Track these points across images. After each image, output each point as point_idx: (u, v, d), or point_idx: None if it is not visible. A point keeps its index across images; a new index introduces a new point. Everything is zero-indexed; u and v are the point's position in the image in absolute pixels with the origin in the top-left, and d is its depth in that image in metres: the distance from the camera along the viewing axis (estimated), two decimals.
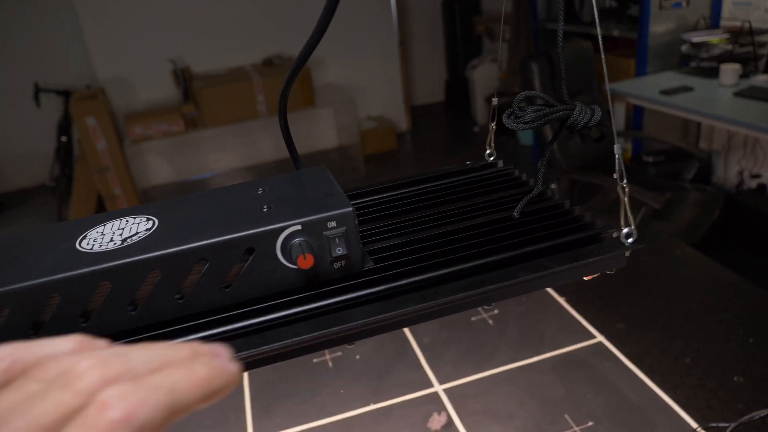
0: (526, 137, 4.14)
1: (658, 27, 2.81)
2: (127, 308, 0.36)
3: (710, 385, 0.90)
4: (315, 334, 0.35)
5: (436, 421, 0.88)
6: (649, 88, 2.61)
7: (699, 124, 2.90)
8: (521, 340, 1.03)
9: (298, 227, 0.37)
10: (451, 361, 1.01)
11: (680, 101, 2.40)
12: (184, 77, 4.02)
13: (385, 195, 0.51)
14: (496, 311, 1.14)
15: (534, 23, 3.66)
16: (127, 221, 0.40)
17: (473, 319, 1.12)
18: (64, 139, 4.07)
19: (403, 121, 5.03)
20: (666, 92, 2.50)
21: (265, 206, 0.40)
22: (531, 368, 0.96)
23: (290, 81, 0.46)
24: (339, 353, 1.07)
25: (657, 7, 2.77)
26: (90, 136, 3.57)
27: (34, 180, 4.71)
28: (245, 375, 1.07)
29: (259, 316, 0.36)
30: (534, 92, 0.43)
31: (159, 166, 4.43)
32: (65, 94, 4.07)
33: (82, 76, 4.36)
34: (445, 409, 0.90)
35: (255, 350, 0.34)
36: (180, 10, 4.18)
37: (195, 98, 3.88)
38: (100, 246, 0.37)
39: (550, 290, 1.17)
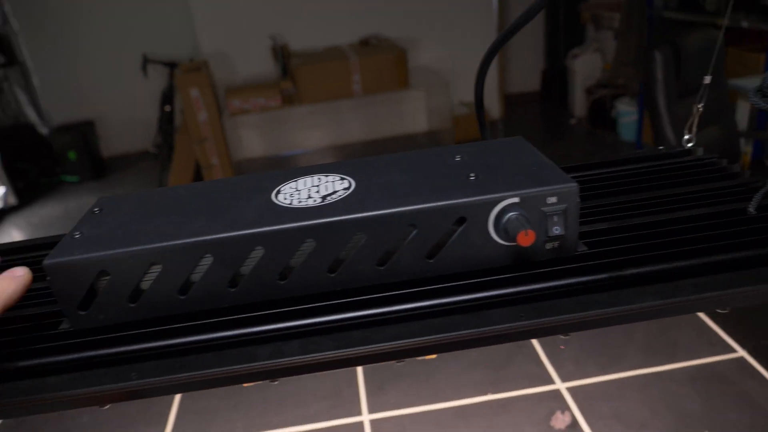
0: (628, 132, 3.93)
1: None
2: (326, 270, 0.34)
3: None
4: (536, 321, 0.31)
5: (560, 420, 0.83)
6: None
7: None
8: (651, 345, 0.96)
9: (516, 200, 0.33)
10: (572, 358, 0.95)
11: None
12: (282, 54, 4.09)
13: (576, 174, 0.46)
14: None
15: (649, 11, 3.43)
16: (320, 179, 0.38)
17: None
18: (167, 108, 4.26)
19: (495, 109, 4.91)
20: None
21: (472, 174, 0.36)
22: (664, 377, 0.89)
23: (493, 53, 0.41)
24: None
25: None
26: (192, 107, 3.71)
27: (138, 146, 4.97)
28: None
29: (470, 293, 0.33)
30: None
31: (253, 140, 4.55)
32: (171, 66, 4.25)
33: (186, 48, 4.54)
34: (568, 408, 0.85)
35: (470, 331, 0.31)
36: None
37: (293, 75, 3.94)
38: (300, 202, 0.35)
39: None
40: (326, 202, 0.34)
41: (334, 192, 0.36)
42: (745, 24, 2.78)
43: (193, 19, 4.25)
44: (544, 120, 4.95)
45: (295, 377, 0.99)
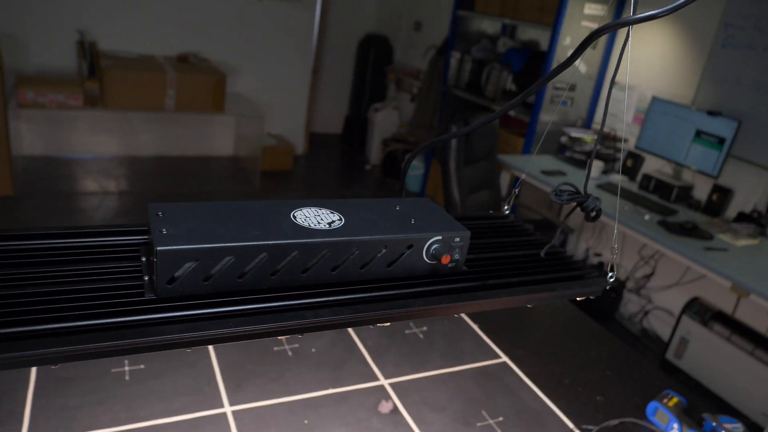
0: (414, 184, 4.53)
1: (546, 117, 3.35)
2: (330, 270, 0.55)
3: (582, 400, 1.21)
4: (453, 304, 0.56)
5: (384, 406, 1.09)
6: (532, 166, 3.09)
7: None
8: (447, 352, 1.28)
9: (440, 237, 0.59)
10: (392, 361, 1.22)
11: (555, 182, 2.88)
12: (90, 52, 3.86)
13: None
14: (425, 328, 1.38)
15: (443, 86, 4.08)
16: (317, 211, 0.59)
17: (407, 332, 1.34)
18: None
19: (300, 145, 5.21)
20: (545, 172, 2.99)
21: (413, 219, 0.60)
22: (456, 375, 1.21)
23: (477, 126, 0.67)
24: (296, 345, 1.24)
25: (549, 100, 3.31)
26: None
27: None
28: (212, 353, 1.19)
29: (417, 288, 0.57)
30: (568, 183, 0.69)
31: (39, 136, 4.14)
32: None
33: None
34: (391, 398, 1.11)
35: (420, 308, 0.54)
36: None
37: (101, 76, 3.74)
38: (316, 225, 0.55)
39: (465, 317, 1.44)
40: (333, 227, 0.56)
41: (333, 221, 0.57)
42: (512, 113, 3.52)
43: None
44: (343, 162, 5.40)
45: (156, 376, 1.09)
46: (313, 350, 1.24)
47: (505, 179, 3.50)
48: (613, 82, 0.69)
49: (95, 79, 3.77)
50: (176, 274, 0.49)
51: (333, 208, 0.60)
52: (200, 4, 4.35)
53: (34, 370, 1.07)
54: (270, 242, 0.51)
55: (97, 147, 4.43)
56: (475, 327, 1.41)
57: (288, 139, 5.03)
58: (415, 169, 4.48)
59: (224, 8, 4.42)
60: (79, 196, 3.84)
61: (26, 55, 4.01)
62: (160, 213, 0.53)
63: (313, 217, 0.57)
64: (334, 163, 5.34)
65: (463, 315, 1.46)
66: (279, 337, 1.15)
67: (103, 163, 4.43)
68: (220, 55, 4.52)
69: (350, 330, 1.33)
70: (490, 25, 4.15)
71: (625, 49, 0.58)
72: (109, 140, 4.44)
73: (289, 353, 1.22)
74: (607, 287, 0.67)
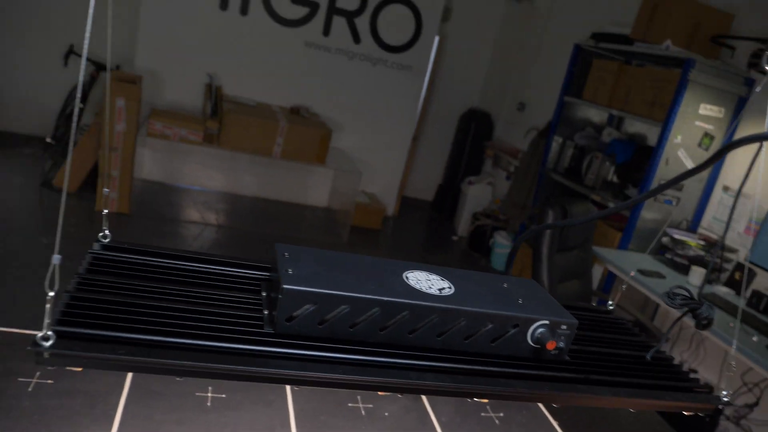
0: (499, 262, 4.46)
1: (648, 214, 3.23)
2: (435, 335, 0.56)
3: None
4: (551, 392, 0.55)
5: None
6: (628, 263, 2.97)
7: (658, 306, 3.26)
8: None
9: (547, 322, 0.58)
10: None
11: (653, 284, 2.74)
12: (216, 95, 4.21)
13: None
14: (501, 414, 1.33)
15: (542, 168, 4.07)
16: (429, 276, 0.60)
17: (483, 414, 1.31)
18: (82, 105, 4.13)
19: (392, 206, 5.31)
20: (642, 272, 2.85)
21: (520, 299, 0.60)
22: None
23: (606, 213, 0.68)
24: (370, 405, 1.24)
25: (653, 197, 3.20)
26: (114, 115, 3.66)
27: (26, 129, 4.70)
28: (289, 396, 1.21)
29: (522, 369, 0.56)
30: (682, 286, 0.66)
31: (160, 164, 4.51)
32: (98, 67, 4.19)
33: (115, 54, 4.48)
34: None
35: (540, 392, 0.53)
36: (228, 36, 4.44)
37: (222, 117, 4.05)
38: (428, 288, 0.57)
39: (544, 409, 1.38)
40: (443, 294, 0.57)
41: (443, 288, 0.58)
42: (611, 204, 3.43)
43: (139, 31, 4.27)
44: (430, 229, 5.43)
45: (234, 408, 1.12)
46: (386, 414, 1.23)
47: (597, 272, 3.37)
48: (739, 194, 0.67)
49: (216, 119, 4.08)
50: (295, 314, 0.52)
51: (442, 275, 0.61)
52: (318, 63, 4.66)
53: (129, 378, 1.14)
54: (384, 298, 0.53)
55: (206, 180, 4.75)
56: (555, 423, 1.35)
57: (381, 198, 5.15)
58: (502, 247, 4.43)
59: (339, 69, 4.71)
60: (181, 223, 4.10)
61: (162, 90, 4.43)
62: (286, 254, 0.57)
63: (425, 281, 0.58)
64: (421, 229, 5.39)
65: (541, 406, 1.39)
66: (379, 393, 1.15)
67: (207, 196, 4.73)
68: (328, 111, 4.78)
69: (425, 400, 1.31)
70: (596, 114, 4.13)
71: (755, 163, 0.57)
72: (217, 176, 4.75)
73: (363, 412, 1.21)
74: (721, 407, 0.63)
